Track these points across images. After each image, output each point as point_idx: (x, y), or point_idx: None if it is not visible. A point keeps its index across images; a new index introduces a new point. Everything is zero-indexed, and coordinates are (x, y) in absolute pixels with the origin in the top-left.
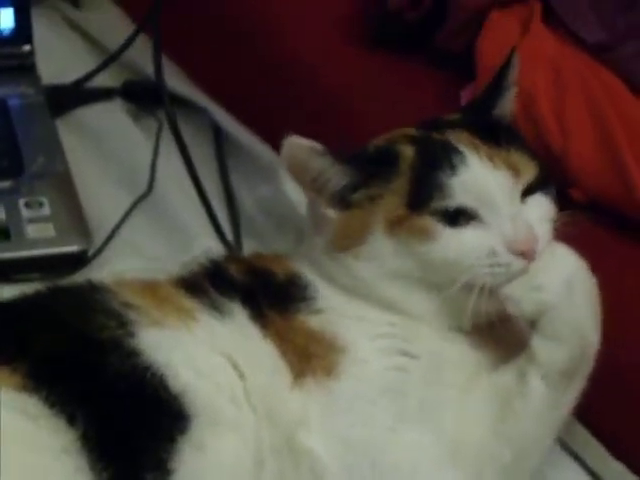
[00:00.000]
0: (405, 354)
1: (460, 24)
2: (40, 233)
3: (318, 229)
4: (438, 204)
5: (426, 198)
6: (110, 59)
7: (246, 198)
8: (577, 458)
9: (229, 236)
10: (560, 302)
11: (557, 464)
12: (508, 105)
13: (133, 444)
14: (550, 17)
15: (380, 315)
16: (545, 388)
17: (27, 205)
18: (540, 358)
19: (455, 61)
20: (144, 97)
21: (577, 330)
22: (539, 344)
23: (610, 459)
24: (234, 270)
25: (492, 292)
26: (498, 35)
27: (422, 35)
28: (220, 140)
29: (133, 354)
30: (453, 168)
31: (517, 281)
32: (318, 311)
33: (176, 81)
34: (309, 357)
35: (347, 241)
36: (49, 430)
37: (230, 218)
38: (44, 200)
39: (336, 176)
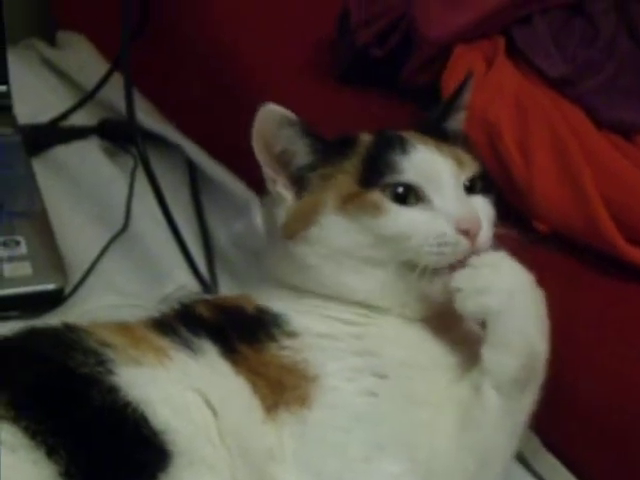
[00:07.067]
0: (374, 373)
1: (425, 59)
2: (17, 272)
3: (273, 220)
4: (388, 180)
5: (377, 174)
6: (86, 98)
7: (220, 233)
8: (530, 469)
9: (204, 271)
10: (505, 309)
11: (511, 476)
12: (458, 127)
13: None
14: (513, 52)
15: (344, 327)
16: (499, 398)
17: (4, 244)
18: (490, 367)
19: (421, 96)
20: (120, 135)
21: (523, 339)
22: (488, 354)
23: (562, 469)
24: (202, 310)
25: (436, 275)
26: (463, 70)
27: (389, 71)
28: (194, 176)
29: (113, 390)
30: (404, 150)
31: (463, 277)
32: (292, 334)
33: (150, 119)
34: (283, 389)
35: (298, 224)
36: (28, 462)
37: (205, 253)
38: (21, 239)
39: (302, 150)
